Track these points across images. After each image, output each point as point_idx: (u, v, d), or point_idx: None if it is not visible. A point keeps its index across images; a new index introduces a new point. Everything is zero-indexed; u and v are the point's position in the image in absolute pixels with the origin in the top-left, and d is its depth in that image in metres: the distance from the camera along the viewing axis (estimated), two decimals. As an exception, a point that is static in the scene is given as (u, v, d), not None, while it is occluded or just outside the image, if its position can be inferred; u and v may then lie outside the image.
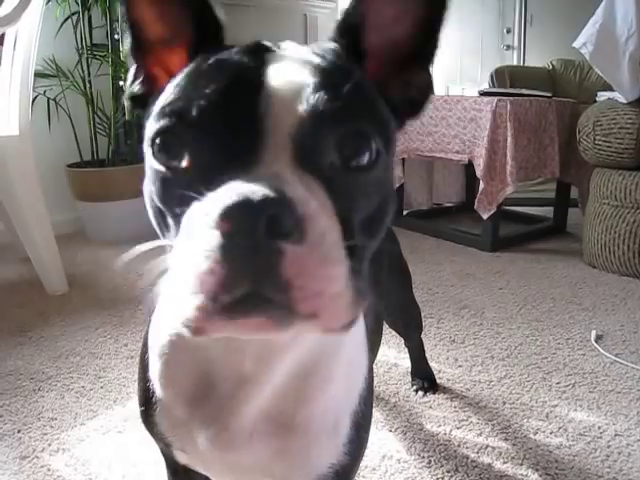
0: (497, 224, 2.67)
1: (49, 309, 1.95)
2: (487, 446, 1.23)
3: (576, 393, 1.44)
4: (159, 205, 0.44)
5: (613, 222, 2.32)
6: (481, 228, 2.71)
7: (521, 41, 6.06)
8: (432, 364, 1.55)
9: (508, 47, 6.15)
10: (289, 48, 0.46)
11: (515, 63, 5.95)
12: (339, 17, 0.51)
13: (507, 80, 4.54)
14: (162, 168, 0.42)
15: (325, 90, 0.40)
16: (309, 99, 0.39)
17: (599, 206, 2.40)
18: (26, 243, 2.08)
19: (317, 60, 0.44)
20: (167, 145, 0.41)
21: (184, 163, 0.41)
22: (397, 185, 3.02)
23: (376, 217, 0.44)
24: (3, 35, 2.06)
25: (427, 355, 1.49)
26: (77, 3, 2.74)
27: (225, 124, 0.39)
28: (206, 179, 0.38)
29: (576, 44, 2.32)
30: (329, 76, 0.42)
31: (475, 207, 2.62)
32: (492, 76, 4.62)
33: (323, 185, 0.39)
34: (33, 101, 2.13)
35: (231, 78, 0.41)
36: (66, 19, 2.76)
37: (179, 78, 0.45)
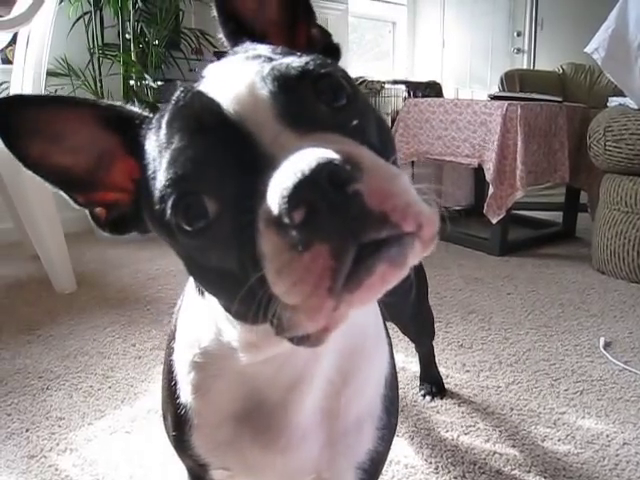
0: (506, 228, 2.66)
1: (58, 308, 1.96)
2: (495, 452, 1.23)
3: (584, 400, 1.43)
4: (222, 266, 0.42)
5: (623, 228, 2.31)
6: (490, 232, 2.71)
7: (531, 44, 6.04)
8: (440, 369, 1.54)
9: (518, 50, 6.13)
10: (215, 68, 0.48)
11: (525, 66, 5.93)
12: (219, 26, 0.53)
13: (517, 83, 4.54)
14: (195, 237, 0.41)
15: (266, 64, 0.42)
16: (261, 82, 0.41)
17: (609, 212, 2.39)
18: (35, 241, 2.09)
19: (241, 56, 0.45)
20: (188, 214, 0.40)
21: (213, 211, 0.40)
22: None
23: (383, 137, 0.46)
24: (16, 34, 2.08)
25: (435, 360, 1.49)
26: (89, 3, 2.76)
27: (222, 157, 0.39)
28: (239, 208, 0.38)
29: (588, 49, 2.31)
30: (260, 57, 0.43)
31: (484, 211, 2.61)
32: (502, 79, 4.61)
33: (329, 129, 0.40)
34: (44, 100, 2.14)
35: (193, 123, 0.42)
36: (78, 19, 2.79)
37: (154, 161, 0.44)
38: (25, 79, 2.02)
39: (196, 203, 0.40)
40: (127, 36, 2.83)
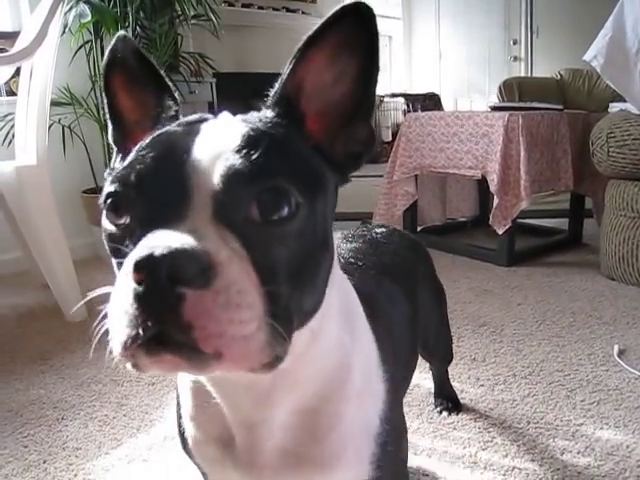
0: (512, 238, 2.66)
1: (69, 336, 1.96)
2: (514, 468, 1.22)
3: (601, 411, 1.42)
4: (113, 260, 0.50)
5: (630, 234, 2.31)
6: (497, 243, 2.70)
7: (528, 52, 6.08)
8: (454, 384, 1.54)
9: (515, 58, 6.17)
10: (223, 118, 0.52)
11: (522, 74, 5.96)
12: (276, 85, 0.55)
13: (515, 91, 4.55)
14: (110, 226, 0.48)
15: (241, 153, 0.45)
16: (225, 162, 0.44)
17: (615, 218, 2.39)
18: (44, 270, 2.10)
19: (241, 127, 0.48)
20: (113, 206, 0.47)
21: (126, 220, 0.46)
22: (410, 202, 3.03)
23: (304, 265, 0.47)
24: (20, 66, 2.11)
25: (449, 375, 1.49)
26: (90, 32, 2.79)
27: (157, 187, 0.45)
28: (140, 234, 0.43)
29: (586, 57, 2.32)
30: (248, 140, 0.46)
31: (490, 222, 2.61)
32: (500, 88, 4.63)
33: (241, 237, 0.43)
34: (48, 129, 2.17)
35: (165, 148, 0.47)
36: (79, 48, 2.81)
37: (133, 151, 0.51)
38: (30, 110, 2.05)
39: (120, 208, 0.47)
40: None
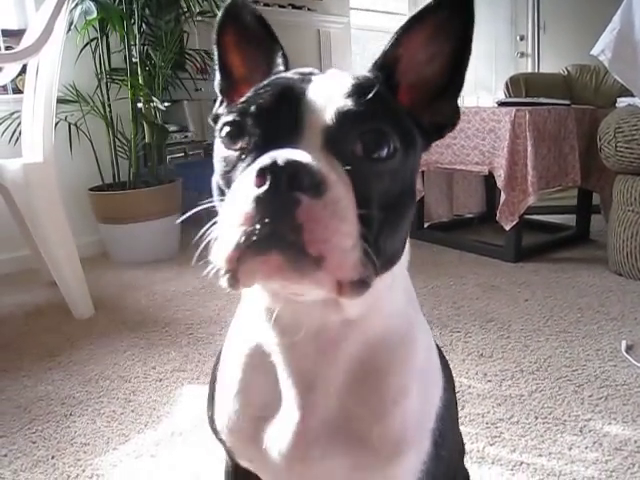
0: (520, 234, 2.65)
1: (77, 333, 1.97)
2: (522, 463, 1.22)
3: (609, 406, 1.42)
4: (221, 182, 0.54)
5: (638, 229, 2.29)
6: (504, 239, 2.69)
7: (535, 48, 6.04)
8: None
9: (522, 54, 6.13)
10: (332, 72, 0.57)
11: (530, 70, 5.93)
12: (378, 55, 0.59)
13: (522, 87, 4.53)
14: (226, 150, 0.53)
15: (351, 98, 0.51)
16: (338, 103, 0.50)
17: (623, 213, 2.37)
18: (52, 268, 2.11)
19: (350, 80, 0.54)
20: (231, 132, 0.52)
21: (243, 144, 0.52)
22: (417, 198, 3.01)
23: (393, 204, 0.52)
24: (26, 64, 2.11)
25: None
26: (96, 30, 2.79)
27: (275, 118, 0.50)
28: (257, 154, 0.48)
29: (594, 52, 2.31)
30: (355, 89, 0.52)
31: (497, 218, 2.60)
32: (507, 84, 4.61)
33: (346, 167, 0.48)
34: (55, 127, 2.17)
35: (283, 89, 0.53)
36: (85, 45, 2.82)
37: (249, 92, 0.57)
38: (36, 108, 2.05)
39: (238, 135, 0.52)
40: (133, 60, 2.86)
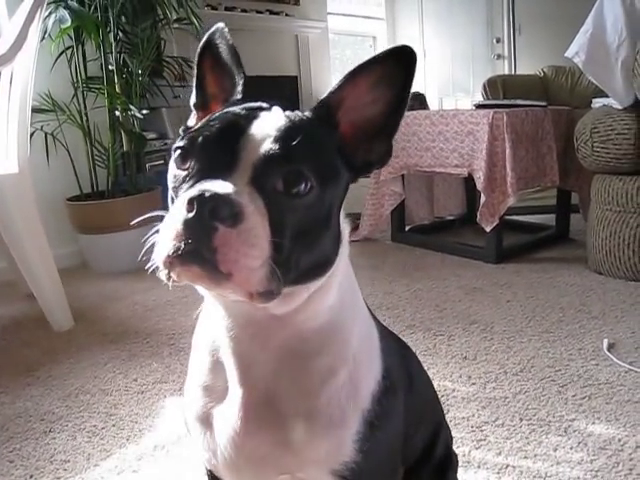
0: (500, 235, 2.66)
1: (56, 346, 1.94)
2: (507, 466, 1.21)
3: (593, 405, 1.42)
4: (172, 193, 0.62)
5: (617, 227, 2.32)
6: (485, 240, 2.71)
7: (511, 50, 6.10)
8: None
9: (498, 56, 6.19)
10: (275, 110, 0.66)
11: (506, 72, 5.98)
12: (324, 95, 0.66)
13: (500, 89, 4.57)
14: (176, 169, 0.62)
15: (279, 141, 0.58)
16: (268, 145, 0.58)
17: (601, 212, 2.40)
18: (29, 280, 2.07)
19: (285, 121, 0.62)
20: (181, 155, 0.61)
21: (189, 168, 0.61)
22: (398, 201, 3.03)
23: (307, 230, 0.60)
24: (-1, 73, 2.07)
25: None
26: (71, 38, 2.76)
27: (216, 149, 0.59)
28: (196, 180, 0.58)
29: (568, 54, 2.32)
30: (287, 132, 0.60)
31: (477, 220, 2.61)
32: (485, 86, 4.65)
33: (265, 200, 0.56)
34: (31, 137, 2.14)
35: (227, 124, 0.61)
36: (60, 54, 2.79)
37: (204, 119, 0.66)
38: (10, 117, 2.02)
39: (186, 158, 0.61)
40: (110, 68, 2.83)
